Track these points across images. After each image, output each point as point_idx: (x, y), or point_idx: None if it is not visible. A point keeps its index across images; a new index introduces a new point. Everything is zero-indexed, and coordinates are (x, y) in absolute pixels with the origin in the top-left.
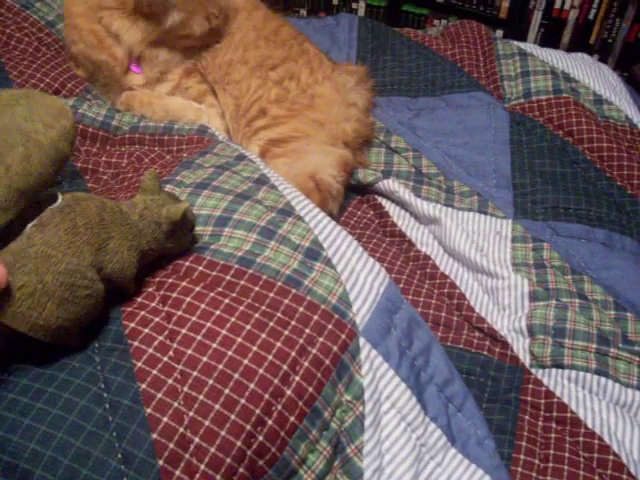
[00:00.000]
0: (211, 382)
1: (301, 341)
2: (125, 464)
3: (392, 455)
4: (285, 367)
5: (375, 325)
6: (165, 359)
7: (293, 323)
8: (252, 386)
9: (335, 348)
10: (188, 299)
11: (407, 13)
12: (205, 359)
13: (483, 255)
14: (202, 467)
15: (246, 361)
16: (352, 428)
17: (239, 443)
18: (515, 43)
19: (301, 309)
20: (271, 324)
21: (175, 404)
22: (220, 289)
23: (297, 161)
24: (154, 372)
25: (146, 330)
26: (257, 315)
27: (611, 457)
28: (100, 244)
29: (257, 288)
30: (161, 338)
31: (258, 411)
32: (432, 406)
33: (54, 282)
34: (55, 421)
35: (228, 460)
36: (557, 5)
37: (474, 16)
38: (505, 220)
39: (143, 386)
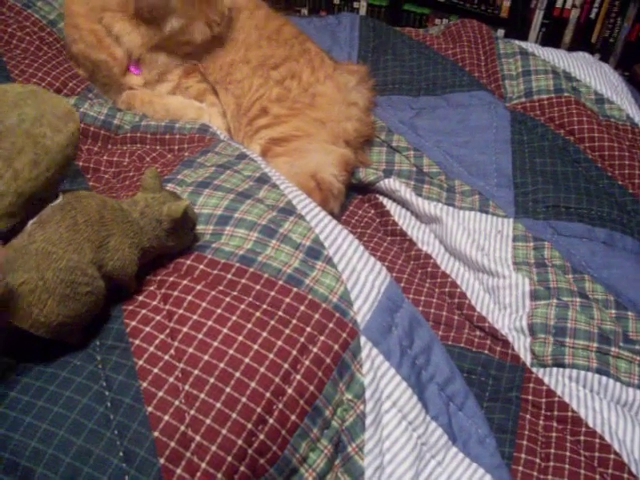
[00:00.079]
0: (212, 381)
1: (302, 340)
2: (126, 462)
3: (393, 454)
4: (286, 366)
5: (376, 324)
6: (166, 357)
7: (294, 322)
8: (253, 385)
9: (336, 347)
10: (189, 298)
11: (408, 12)
12: (206, 358)
13: (484, 254)
14: (203, 465)
15: (247, 360)
16: (353, 427)
17: (240, 442)
18: (516, 42)
19: (302, 308)
20: (272, 323)
21: (176, 402)
22: (221, 288)
23: (298, 160)
24: (155, 370)
25: (147, 328)
26: (258, 314)
27: (612, 456)
28: (101, 241)
29: (258, 287)
30: (162, 337)
31: (259, 410)
32: (433, 405)
33: (55, 279)
34: (56, 419)
35: (229, 458)
36: (558, 4)
37: (475, 15)
38: (506, 219)
39: (144, 384)
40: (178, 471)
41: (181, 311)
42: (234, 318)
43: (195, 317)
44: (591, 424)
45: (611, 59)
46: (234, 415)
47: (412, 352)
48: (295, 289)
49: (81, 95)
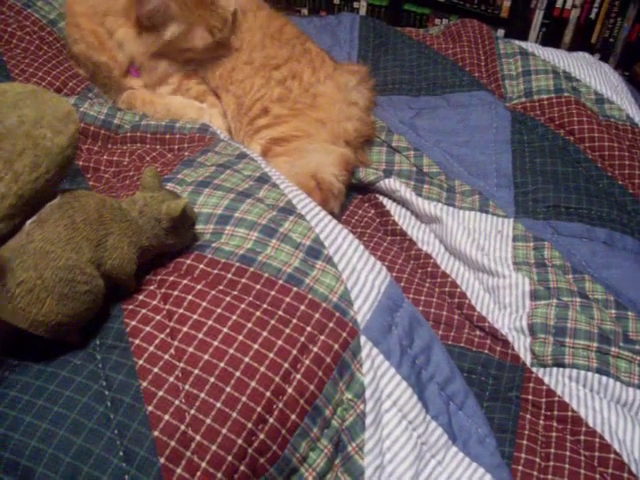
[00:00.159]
0: (212, 380)
1: (302, 339)
2: (126, 462)
3: (393, 453)
4: (286, 365)
5: (376, 323)
6: (166, 357)
7: (294, 321)
8: (253, 384)
9: (336, 346)
10: (189, 297)
11: (408, 12)
12: (206, 357)
13: (484, 254)
14: (203, 465)
15: (247, 359)
16: (353, 426)
17: (240, 441)
18: (516, 42)
19: (302, 307)
20: (272, 322)
21: (176, 402)
22: (221, 287)
23: (298, 160)
24: (155, 370)
25: (147, 328)
26: (258, 313)
27: (612, 456)
28: (99, 240)
29: (258, 286)
30: (162, 336)
31: (259, 409)
32: (433, 404)
33: (53, 278)
34: (56, 419)
35: (229, 458)
36: (558, 4)
37: (475, 15)
38: (506, 219)
39: (144, 384)
40: (178, 470)
41: (181, 310)
42: (234, 317)
43: (195, 317)
44: (591, 424)
45: (611, 59)
46: (234, 414)
47: (412, 352)
48: (295, 288)
49: (81, 95)
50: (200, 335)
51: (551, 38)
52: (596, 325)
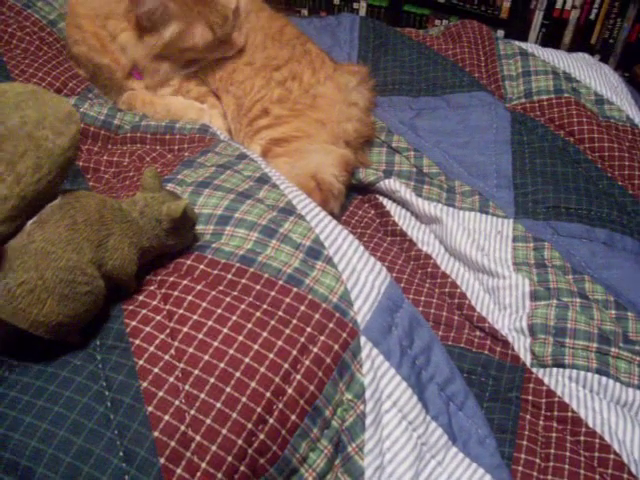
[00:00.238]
0: (212, 380)
1: (302, 340)
2: (126, 462)
3: (393, 454)
4: (286, 366)
5: (376, 324)
6: (166, 357)
7: (294, 322)
8: (253, 384)
9: (336, 347)
10: (189, 298)
11: (408, 13)
12: (206, 357)
13: (484, 254)
14: (203, 465)
15: (247, 360)
16: (353, 427)
17: (240, 441)
18: (516, 43)
19: (302, 308)
20: (272, 323)
21: (176, 402)
22: (221, 288)
23: (299, 160)
24: (155, 370)
25: (147, 328)
26: (258, 314)
27: (612, 456)
28: (100, 241)
29: (258, 287)
30: (162, 336)
31: (259, 409)
32: (433, 405)
33: (54, 278)
34: (56, 419)
35: (229, 458)
36: (558, 5)
37: (475, 16)
38: (506, 220)
39: (144, 384)
40: (178, 471)
41: (181, 311)
42: (234, 318)
43: (195, 317)
44: (591, 424)
45: (611, 60)
46: (234, 415)
47: (412, 352)
48: (295, 289)
49: (81, 95)
50: (200, 335)
51: (551, 39)
52: (596, 326)
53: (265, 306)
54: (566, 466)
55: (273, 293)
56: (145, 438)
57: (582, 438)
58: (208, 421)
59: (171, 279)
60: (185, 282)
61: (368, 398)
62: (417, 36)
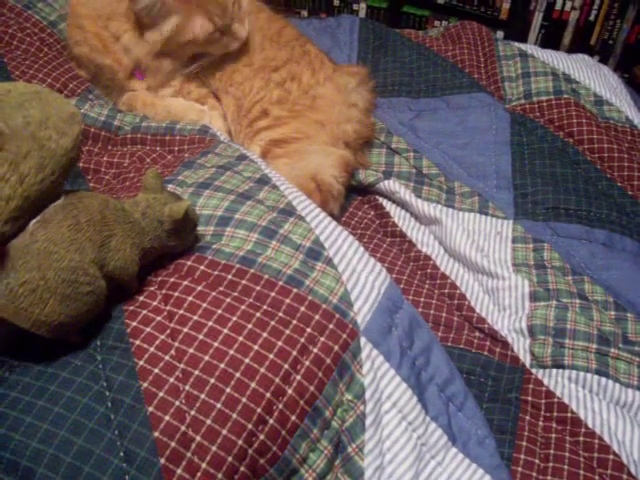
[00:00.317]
0: (212, 381)
1: (302, 340)
2: (127, 462)
3: (393, 454)
4: (286, 366)
5: (376, 325)
6: (167, 358)
7: (294, 322)
8: (253, 385)
9: (336, 347)
10: (190, 298)
11: (408, 14)
12: (206, 358)
13: (484, 255)
14: (203, 465)
15: (247, 360)
16: (353, 427)
17: (240, 442)
18: (516, 44)
19: (302, 309)
20: (272, 323)
21: (177, 403)
22: (222, 288)
23: (298, 162)
24: (156, 371)
25: (148, 329)
26: (258, 314)
27: (611, 457)
28: (102, 241)
29: (258, 288)
30: (163, 337)
31: (259, 410)
32: (433, 406)
33: (56, 279)
34: (57, 419)
35: (229, 459)
36: (558, 6)
37: (475, 17)
38: (506, 221)
39: (145, 385)
40: (178, 471)
41: (182, 312)
42: (234, 319)
43: (195, 318)
44: (590, 425)
45: (610, 61)
46: (234, 415)
47: (412, 353)
48: (295, 290)
49: (81, 96)
50: (200, 336)
51: (550, 40)
52: (595, 326)
53: (265, 307)
54: (565, 467)
55: (273, 294)
56: (145, 438)
57: (581, 439)
58: (208, 421)
59: (172, 280)
60: (185, 283)
61: (368, 399)
62: (417, 37)
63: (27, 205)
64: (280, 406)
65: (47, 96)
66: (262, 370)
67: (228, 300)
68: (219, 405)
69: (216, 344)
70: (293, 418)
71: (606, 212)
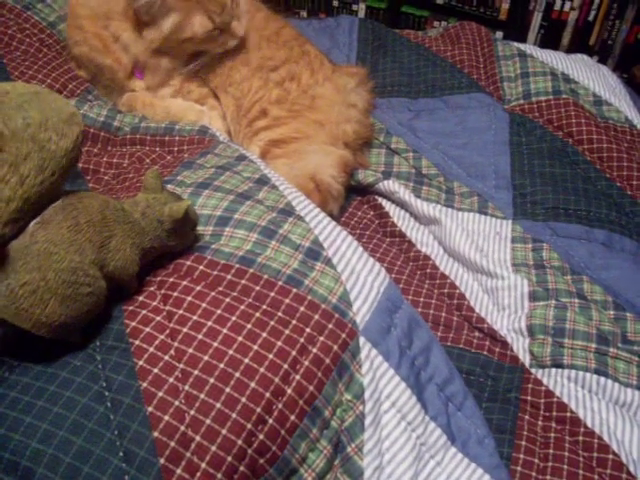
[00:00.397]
0: (212, 381)
1: (302, 340)
2: (126, 462)
3: (392, 454)
4: (286, 366)
5: (375, 324)
6: (166, 358)
7: (294, 322)
8: (253, 385)
9: (335, 347)
10: (189, 298)
11: (407, 15)
12: (206, 358)
13: (483, 255)
14: (203, 465)
15: (247, 360)
16: (352, 427)
17: (240, 442)
18: (515, 44)
19: (302, 308)
20: (272, 323)
21: (176, 403)
22: (221, 288)
23: (297, 162)
24: (155, 371)
25: (147, 329)
26: (258, 314)
27: (610, 456)
28: (102, 242)
29: (258, 287)
30: (162, 337)
31: (259, 410)
32: (432, 405)
33: (57, 279)
34: (56, 419)
35: (229, 459)
36: (557, 7)
37: (474, 18)
38: (505, 221)
39: (144, 385)
40: (178, 471)
41: (181, 312)
42: (234, 319)
43: (195, 318)
44: (590, 424)
45: (609, 61)
46: (234, 415)
47: (411, 353)
48: (294, 290)
49: (81, 97)
50: (200, 336)
51: (549, 40)
52: (594, 326)
53: (264, 307)
54: (565, 466)
55: (272, 294)
56: (145, 438)
57: (581, 438)
58: (208, 421)
59: (171, 280)
60: (185, 283)
61: (367, 398)
62: (416, 38)
63: (27, 207)
64: (279, 406)
65: (46, 97)
66: (261, 370)
67: (227, 300)
68: (219, 405)
69: (215, 344)
70: (292, 418)
71: (605, 212)
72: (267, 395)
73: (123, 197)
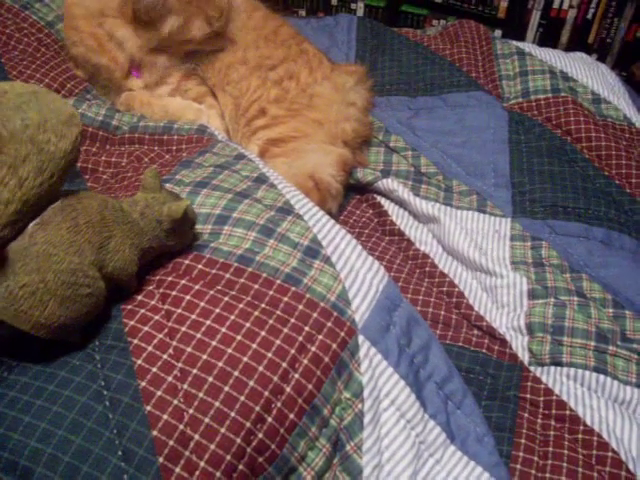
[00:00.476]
0: (211, 379)
1: (300, 339)
2: (125, 461)
3: (391, 452)
4: (284, 365)
5: (374, 323)
6: (165, 357)
7: (292, 321)
8: (252, 383)
9: (334, 346)
10: (188, 297)
11: (406, 13)
12: (205, 357)
13: (482, 254)
14: (202, 464)
15: (246, 359)
16: (351, 425)
17: (239, 440)
18: (514, 43)
19: (300, 307)
20: (270, 322)
21: (175, 401)
22: (219, 287)
23: (296, 160)
24: (154, 370)
25: (146, 328)
26: (256, 313)
27: (610, 454)
28: (101, 243)
29: (256, 286)
30: (161, 336)
31: (258, 408)
32: (431, 403)
33: (56, 281)
34: (55, 419)
35: (228, 457)
36: (555, 5)
37: (473, 16)
38: (504, 219)
39: (143, 384)
40: (177, 470)
41: (179, 310)
42: (232, 317)
43: (193, 316)
44: (589, 422)
45: (608, 59)
46: (233, 414)
47: (410, 351)
48: (293, 288)
49: (79, 96)
50: (198, 335)
51: (548, 38)
52: (594, 324)
53: (263, 305)
54: (564, 464)
55: (271, 292)
56: (144, 437)
57: (580, 436)
58: (207, 420)
59: (169, 279)
60: (183, 282)
61: (366, 397)
62: (415, 36)
63: (26, 209)
64: (278, 404)
65: (45, 97)
66: (260, 369)
67: (226, 299)
68: (217, 404)
69: (214, 343)
70: (291, 416)
71: (604, 210)
72: (266, 394)
73: (122, 196)
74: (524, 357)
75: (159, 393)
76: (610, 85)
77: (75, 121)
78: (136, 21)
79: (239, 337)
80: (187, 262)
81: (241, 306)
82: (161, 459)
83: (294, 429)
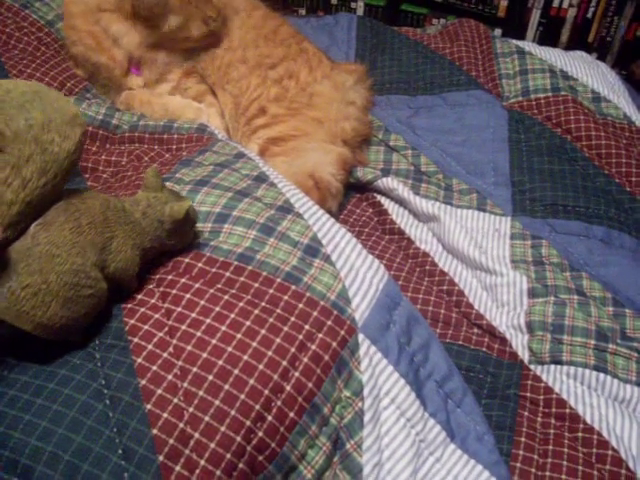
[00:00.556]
0: (211, 378)
1: (300, 337)
2: (125, 459)
3: (391, 451)
4: (285, 363)
5: (374, 321)
6: (165, 355)
7: (292, 319)
8: (252, 382)
9: (334, 344)
10: (188, 296)
11: (406, 12)
12: (205, 355)
13: (482, 252)
14: (202, 462)
15: (246, 357)
16: (351, 424)
17: (239, 439)
18: (513, 42)
19: (300, 305)
20: (271, 320)
21: (175, 400)
22: (220, 285)
23: (296, 159)
24: (154, 368)
25: (146, 327)
26: (257, 311)
27: (610, 452)
28: (104, 243)
29: (257, 284)
30: (161, 334)
31: (258, 407)
32: (431, 402)
33: (58, 282)
34: (56, 417)
35: (228, 455)
36: (555, 4)
37: (473, 15)
38: (504, 217)
39: (143, 382)
40: (177, 468)
41: (180, 309)
42: (232, 316)
43: (193, 315)
44: (589, 421)
45: (608, 58)
46: (233, 412)
47: (410, 349)
48: (293, 287)
49: (79, 95)
50: (198, 333)
51: (548, 37)
52: (594, 322)
53: (263, 304)
54: (564, 462)
55: (271, 291)
56: (144, 435)
57: (580, 434)
58: (207, 418)
59: (169, 277)
60: (183, 280)
61: (366, 395)
62: (414, 35)
63: (29, 209)
64: (279, 403)
65: (49, 96)
66: (260, 367)
67: (226, 297)
68: (217, 402)
69: (214, 341)
70: (292, 415)
71: (604, 208)
72: (266, 392)
73: (122, 195)
74: (524, 355)
75: (159, 391)
76: (610, 84)
77: (79, 121)
78: (135, 17)
79: (239, 335)
80: (187, 260)
81: (241, 304)
82: (161, 457)
83: (294, 427)
